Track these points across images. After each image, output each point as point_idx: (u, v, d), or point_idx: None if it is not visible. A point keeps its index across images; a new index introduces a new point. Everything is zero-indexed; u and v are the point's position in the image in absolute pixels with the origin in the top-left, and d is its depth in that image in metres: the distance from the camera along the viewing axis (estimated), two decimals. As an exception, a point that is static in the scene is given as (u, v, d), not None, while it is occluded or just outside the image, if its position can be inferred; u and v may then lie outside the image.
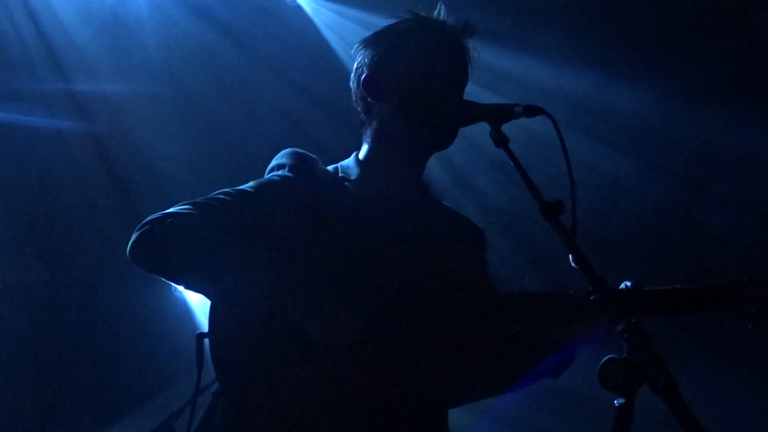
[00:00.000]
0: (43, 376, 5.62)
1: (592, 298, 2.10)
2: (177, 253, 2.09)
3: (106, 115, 5.62)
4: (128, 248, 2.14)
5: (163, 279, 2.19)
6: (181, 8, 5.42)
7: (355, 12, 5.39)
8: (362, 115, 2.42)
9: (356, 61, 2.43)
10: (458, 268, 2.20)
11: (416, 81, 2.29)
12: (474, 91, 2.35)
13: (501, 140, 1.96)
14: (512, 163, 1.91)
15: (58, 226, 5.72)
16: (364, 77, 2.37)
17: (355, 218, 2.23)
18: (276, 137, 5.59)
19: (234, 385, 2.05)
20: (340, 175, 2.37)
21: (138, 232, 2.13)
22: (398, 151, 2.36)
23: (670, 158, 5.24)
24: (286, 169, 2.31)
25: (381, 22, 2.46)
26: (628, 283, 2.10)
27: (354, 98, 2.44)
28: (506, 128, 1.99)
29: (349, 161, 2.43)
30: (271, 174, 2.34)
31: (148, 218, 2.15)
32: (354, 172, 2.37)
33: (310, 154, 2.39)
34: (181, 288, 2.21)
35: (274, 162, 2.39)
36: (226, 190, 2.23)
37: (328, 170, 2.39)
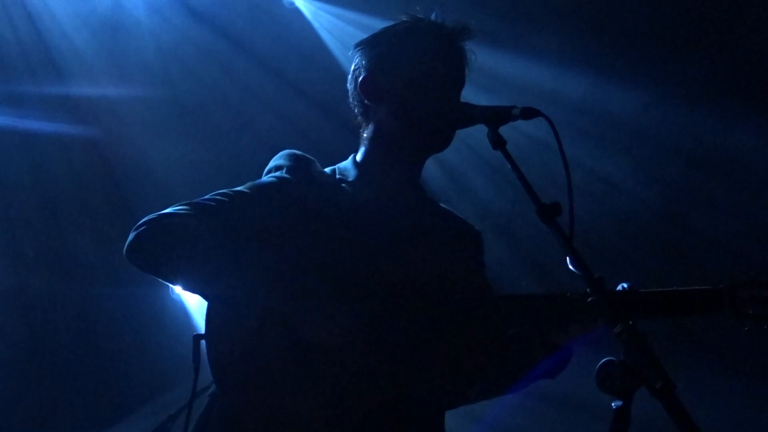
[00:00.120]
0: (40, 379, 5.61)
1: (589, 299, 2.10)
2: (173, 254, 2.09)
3: (103, 117, 5.61)
4: (125, 248, 2.14)
5: (159, 279, 2.19)
6: (179, 11, 5.42)
7: (352, 14, 5.39)
8: (359, 117, 2.42)
9: (353, 63, 2.43)
10: (456, 269, 2.20)
11: (413, 83, 2.29)
12: (469, 94, 2.35)
13: (498, 142, 1.96)
14: (510, 165, 1.91)
15: (56, 228, 5.71)
16: (361, 80, 2.37)
17: (353, 220, 2.23)
18: (273, 139, 5.59)
19: (230, 386, 2.05)
20: (338, 177, 2.37)
21: (135, 233, 2.13)
22: (395, 153, 2.36)
23: (665, 161, 5.25)
24: (284, 171, 2.31)
25: (378, 24, 2.46)
26: (625, 285, 2.10)
27: (351, 100, 2.43)
28: (502, 130, 1.99)
29: (347, 163, 2.43)
30: (268, 175, 2.34)
31: (145, 218, 2.15)
32: (351, 174, 2.37)
33: (308, 156, 2.39)
34: (178, 289, 2.21)
35: (271, 163, 2.39)
36: (223, 191, 2.22)
37: (325, 172, 2.39)
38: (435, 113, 2.24)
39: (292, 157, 2.36)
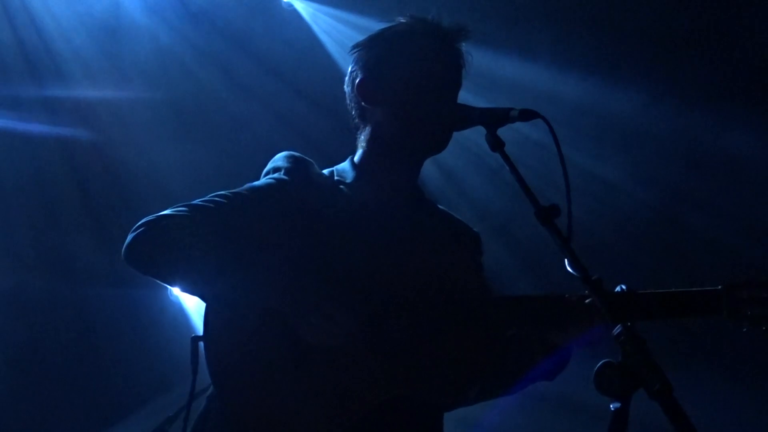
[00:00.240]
0: (38, 380, 5.61)
1: (587, 301, 2.10)
2: (171, 255, 2.09)
3: (103, 118, 5.61)
4: (123, 250, 2.14)
5: (158, 281, 2.19)
6: (176, 12, 5.42)
7: (351, 16, 5.40)
8: (356, 119, 2.41)
9: (350, 65, 2.43)
10: (454, 270, 2.20)
11: (410, 85, 2.29)
12: (465, 96, 2.35)
13: (497, 144, 1.96)
14: (508, 167, 1.91)
15: (55, 229, 5.71)
16: (358, 82, 2.37)
17: (351, 221, 2.23)
18: (272, 140, 5.59)
19: (228, 388, 2.05)
20: (336, 178, 2.37)
21: (133, 234, 2.13)
22: (393, 154, 2.35)
23: (663, 162, 5.26)
24: (282, 172, 2.31)
25: (377, 26, 2.46)
26: (624, 287, 2.10)
27: (348, 102, 2.43)
28: (500, 132, 1.99)
29: (345, 165, 2.42)
30: (266, 177, 2.34)
31: (143, 220, 2.15)
32: (349, 176, 2.37)
33: (306, 158, 2.39)
34: (176, 290, 2.21)
35: (269, 165, 2.38)
36: (221, 192, 2.22)
37: (323, 174, 2.39)
38: (432, 115, 2.24)
39: (290, 159, 2.36)
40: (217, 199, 2.20)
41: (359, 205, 2.28)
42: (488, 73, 5.05)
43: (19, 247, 5.63)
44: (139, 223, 2.15)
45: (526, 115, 1.95)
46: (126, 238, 2.14)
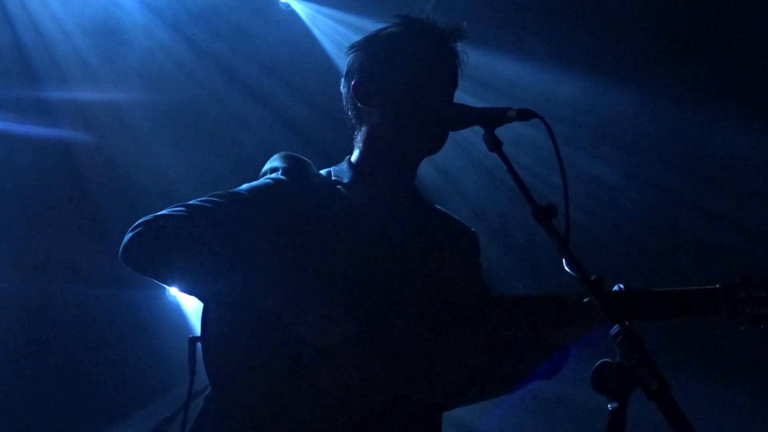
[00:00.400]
0: (37, 380, 5.60)
1: (585, 300, 2.10)
2: (168, 255, 2.09)
3: (102, 120, 5.61)
4: (120, 249, 2.14)
5: (155, 281, 2.19)
6: (176, 14, 5.42)
7: (351, 17, 5.40)
8: (353, 119, 2.41)
9: (346, 65, 2.43)
10: (452, 271, 2.20)
11: (405, 85, 2.28)
12: (462, 96, 2.35)
13: (495, 144, 1.96)
14: (506, 167, 1.91)
15: (55, 230, 5.70)
16: (354, 82, 2.37)
17: (349, 222, 2.23)
18: (270, 141, 5.59)
19: (226, 389, 2.05)
20: (333, 178, 2.37)
21: (130, 234, 2.13)
22: (389, 155, 2.35)
23: (658, 162, 5.26)
24: (280, 173, 2.31)
25: (374, 26, 2.46)
26: (621, 286, 2.11)
27: (344, 103, 2.43)
28: (498, 132, 1.99)
29: (342, 165, 2.42)
30: (264, 177, 2.34)
31: (140, 220, 2.15)
32: (347, 176, 2.37)
33: (303, 158, 2.39)
34: (174, 291, 2.21)
35: (267, 165, 2.38)
36: (219, 192, 2.22)
37: (321, 174, 2.39)
38: (427, 115, 2.23)
39: (288, 159, 2.36)
40: (214, 199, 2.20)
41: (356, 205, 2.28)
42: (485, 73, 5.06)
43: (19, 248, 5.62)
44: (137, 223, 2.15)
45: (524, 114, 1.95)
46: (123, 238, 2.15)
